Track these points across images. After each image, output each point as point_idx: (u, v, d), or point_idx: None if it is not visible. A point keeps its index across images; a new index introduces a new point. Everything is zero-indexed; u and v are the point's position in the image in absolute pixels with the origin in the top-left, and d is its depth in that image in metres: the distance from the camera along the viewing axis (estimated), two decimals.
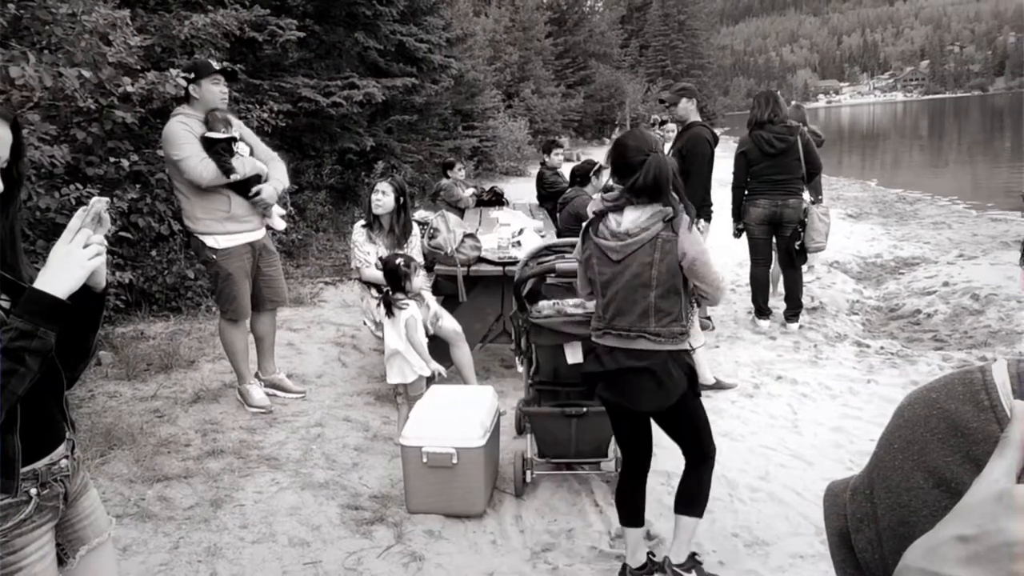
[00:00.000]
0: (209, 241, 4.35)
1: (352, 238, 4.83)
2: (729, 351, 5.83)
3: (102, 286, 1.63)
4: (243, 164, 4.33)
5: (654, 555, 3.13)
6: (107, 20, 4.95)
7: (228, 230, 4.38)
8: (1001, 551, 0.45)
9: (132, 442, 4.13)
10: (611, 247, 2.79)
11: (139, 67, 5.34)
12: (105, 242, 1.56)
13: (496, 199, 8.28)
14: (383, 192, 4.70)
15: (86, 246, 1.50)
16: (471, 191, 8.25)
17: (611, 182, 3.06)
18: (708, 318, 6.35)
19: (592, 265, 2.88)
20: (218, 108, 4.32)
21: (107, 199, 1.61)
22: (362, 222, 4.85)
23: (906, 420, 0.62)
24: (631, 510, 3.03)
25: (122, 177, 5.75)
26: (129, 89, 5.17)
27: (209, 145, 4.22)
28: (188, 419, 4.50)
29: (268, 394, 4.83)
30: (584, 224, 2.96)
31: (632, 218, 2.75)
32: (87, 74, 4.67)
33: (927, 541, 0.51)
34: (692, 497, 2.98)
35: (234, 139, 4.35)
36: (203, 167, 4.16)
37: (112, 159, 5.63)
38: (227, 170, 4.24)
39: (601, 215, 2.85)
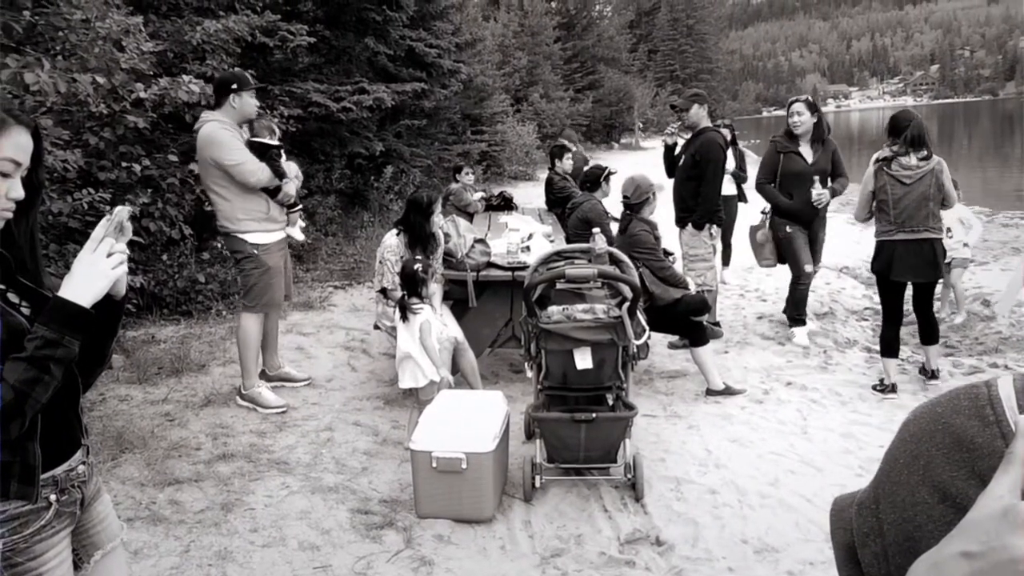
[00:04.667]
0: (251, 238, 4.60)
1: (384, 255, 4.65)
2: (738, 357, 5.82)
3: (123, 294, 1.65)
4: (290, 169, 4.77)
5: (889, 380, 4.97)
6: (120, 26, 5.00)
7: (267, 228, 4.68)
8: (1006, 568, 0.45)
9: (143, 446, 4.15)
10: (905, 174, 4.70)
11: (151, 73, 5.38)
12: (127, 251, 1.57)
13: (505, 204, 8.27)
14: (441, 211, 4.72)
15: (109, 255, 1.52)
16: (479, 195, 8.24)
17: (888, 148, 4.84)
18: (717, 324, 6.34)
19: (886, 189, 4.75)
20: (262, 117, 4.66)
21: (130, 208, 1.63)
22: (397, 242, 4.66)
23: (911, 435, 0.62)
24: (891, 346, 5.01)
25: (134, 182, 5.79)
26: (142, 95, 5.21)
27: (264, 150, 4.55)
28: (198, 423, 4.52)
29: (278, 387, 5.00)
30: (875, 165, 4.81)
31: (917, 159, 4.68)
32: (100, 80, 4.71)
33: (932, 557, 0.51)
34: (932, 332, 5.04)
35: (281, 146, 4.73)
36: (260, 171, 4.47)
37: (124, 164, 5.67)
38: (281, 175, 4.61)
39: (890, 159, 4.74)
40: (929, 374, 5.12)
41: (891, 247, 4.81)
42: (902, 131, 4.80)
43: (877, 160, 4.90)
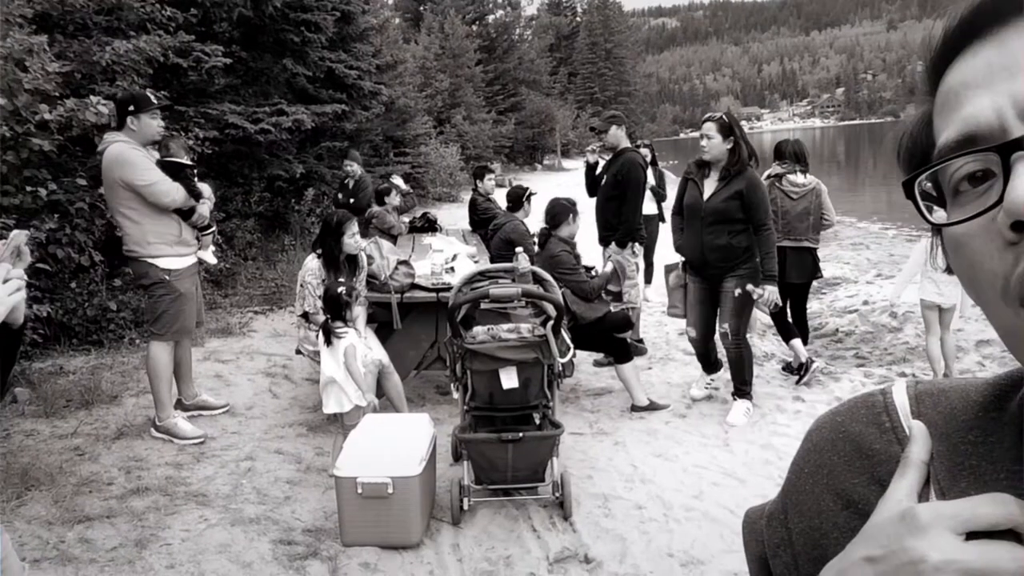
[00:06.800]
0: (162, 263, 4.45)
1: (305, 279, 4.56)
2: (661, 372, 5.92)
3: (20, 322, 1.57)
4: (203, 190, 4.66)
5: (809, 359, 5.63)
6: (23, 46, 4.80)
7: (179, 252, 4.53)
8: (907, 570, 0.45)
9: (51, 482, 3.95)
10: (793, 190, 5.45)
11: (57, 94, 5.18)
12: (25, 276, 1.50)
13: (429, 225, 8.25)
14: (357, 232, 4.65)
15: (5, 281, 1.45)
16: (403, 218, 8.21)
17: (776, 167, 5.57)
18: (641, 341, 6.44)
19: (776, 202, 5.36)
20: (175, 137, 4.57)
21: (27, 232, 1.56)
22: (318, 264, 4.59)
23: (814, 444, 0.63)
24: (789, 330, 5.64)
25: (40, 207, 5.53)
26: (47, 116, 5.00)
27: (177, 170, 4.44)
28: (111, 456, 4.33)
29: (195, 416, 4.85)
30: (769, 181, 5.36)
31: (803, 177, 5.46)
32: (2, 101, 4.52)
33: (838, 563, 0.51)
34: (805, 329, 5.89)
35: (194, 166, 4.66)
36: (175, 191, 4.35)
37: (29, 188, 5.41)
38: (197, 195, 4.51)
39: (780, 176, 5.46)
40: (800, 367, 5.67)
41: (780, 253, 5.11)
42: (784, 153, 5.57)
43: (769, 176, 5.49)
